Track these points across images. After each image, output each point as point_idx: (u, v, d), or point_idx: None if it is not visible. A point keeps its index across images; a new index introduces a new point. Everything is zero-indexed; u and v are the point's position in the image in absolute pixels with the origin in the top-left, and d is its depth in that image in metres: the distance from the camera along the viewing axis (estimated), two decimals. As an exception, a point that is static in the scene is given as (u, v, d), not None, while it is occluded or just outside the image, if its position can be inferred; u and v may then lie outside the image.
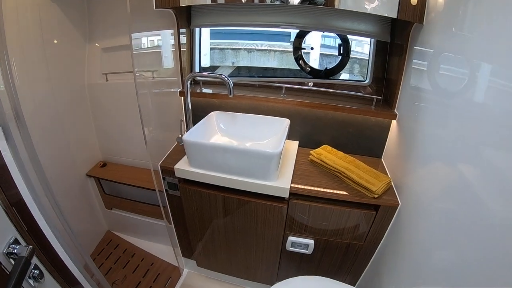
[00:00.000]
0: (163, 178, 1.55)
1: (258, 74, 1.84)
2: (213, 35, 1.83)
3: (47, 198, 1.01)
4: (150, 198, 2.10)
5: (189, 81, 1.53)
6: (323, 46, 1.72)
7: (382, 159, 1.66)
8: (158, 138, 1.74)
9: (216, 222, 1.56)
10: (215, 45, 1.86)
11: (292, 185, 1.34)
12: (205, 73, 1.65)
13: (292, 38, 1.71)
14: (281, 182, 1.33)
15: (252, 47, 1.79)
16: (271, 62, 1.79)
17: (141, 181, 2.00)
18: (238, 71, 1.87)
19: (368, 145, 1.67)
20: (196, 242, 1.75)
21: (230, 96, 1.41)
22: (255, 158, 1.25)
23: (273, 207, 1.38)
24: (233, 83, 1.39)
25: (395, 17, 1.19)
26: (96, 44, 1.96)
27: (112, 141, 2.19)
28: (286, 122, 1.55)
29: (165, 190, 1.60)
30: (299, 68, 1.74)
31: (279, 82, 1.72)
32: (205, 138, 1.53)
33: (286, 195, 1.34)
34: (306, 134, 1.71)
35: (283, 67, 1.80)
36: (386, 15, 1.22)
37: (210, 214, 1.53)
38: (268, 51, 1.78)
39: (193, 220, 1.62)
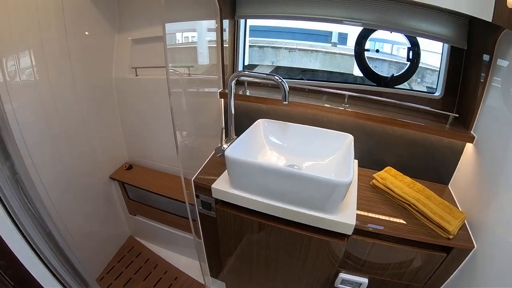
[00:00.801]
0: (196, 196, 1.32)
1: (303, 76, 1.60)
2: (251, 33, 1.62)
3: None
4: (178, 208, 1.89)
5: (233, 82, 1.28)
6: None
7: (449, 187, 1.39)
8: (193, 145, 1.53)
9: (257, 250, 1.32)
10: (253, 43, 1.64)
11: (358, 222, 1.08)
12: (255, 73, 1.36)
13: (334, 39, 1.49)
14: (344, 217, 1.07)
15: (293, 46, 1.59)
16: (313, 63, 1.60)
17: (170, 190, 1.79)
18: (277, 70, 1.65)
19: (435, 169, 1.39)
20: (229, 264, 1.52)
21: (284, 102, 1.16)
22: (318, 186, 1.00)
23: (330, 243, 1.13)
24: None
25: (490, 20, 0.91)
26: (127, 36, 1.75)
27: (139, 142, 1.99)
28: (349, 138, 1.29)
29: (198, 208, 1.38)
30: (351, 73, 1.51)
31: (336, 88, 1.45)
32: (251, 153, 1.28)
33: (350, 232, 1.08)
34: (367, 152, 1.43)
35: (332, 70, 1.57)
36: (479, 17, 0.93)
37: (251, 242, 1.29)
38: (311, 51, 1.59)
39: (228, 243, 1.39)
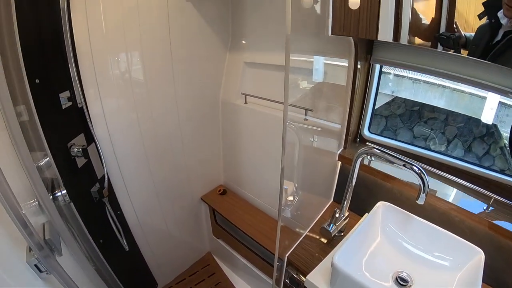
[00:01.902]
0: (286, 271, 1.14)
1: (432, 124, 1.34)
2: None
3: None
4: (263, 251, 1.74)
5: (359, 159, 1.03)
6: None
7: None
8: (294, 203, 1.35)
9: None
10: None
11: None
12: (389, 154, 0.99)
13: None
14: None
15: (418, 77, 1.36)
16: (438, 100, 1.36)
17: (259, 232, 1.64)
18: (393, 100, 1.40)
19: None
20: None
21: (418, 202, 0.89)
22: None
23: None
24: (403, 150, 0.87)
25: None
26: (239, 58, 1.63)
27: (238, 169, 1.89)
28: (478, 257, 0.92)
29: (284, 280, 1.20)
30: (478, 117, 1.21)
31: (478, 178, 1.06)
32: (361, 249, 1.03)
33: None
34: (490, 267, 1.01)
35: (458, 112, 1.34)
36: None
37: None
38: (437, 86, 1.33)
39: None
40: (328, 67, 1.33)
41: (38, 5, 0.92)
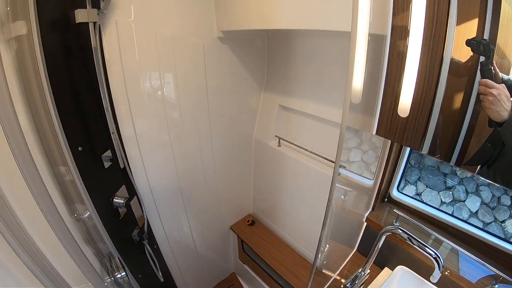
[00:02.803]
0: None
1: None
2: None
3: None
4: (287, 286, 1.80)
5: (384, 236, 1.04)
6: None
7: None
8: (325, 251, 1.38)
9: None
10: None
11: None
12: (411, 238, 0.98)
13: None
14: None
15: None
16: None
17: (283, 266, 1.70)
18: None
19: None
20: None
21: (431, 279, 0.93)
22: None
23: None
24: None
25: None
26: (275, 99, 1.66)
27: (268, 203, 1.94)
28: None
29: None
30: None
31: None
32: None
33: None
34: None
35: None
36: None
37: None
38: None
39: None
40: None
41: (77, 84, 0.99)
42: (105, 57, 1.09)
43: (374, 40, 0.85)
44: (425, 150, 0.84)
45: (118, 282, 1.02)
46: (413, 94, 0.82)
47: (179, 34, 1.29)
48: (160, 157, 1.45)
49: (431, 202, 1.52)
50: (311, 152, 1.49)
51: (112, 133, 1.09)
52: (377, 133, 0.95)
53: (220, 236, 2.01)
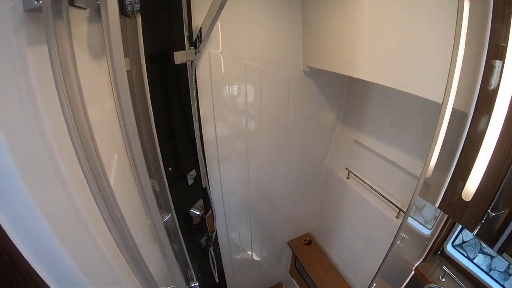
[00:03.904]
0: None
1: None
2: None
3: None
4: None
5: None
6: None
7: None
8: None
9: None
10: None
11: None
12: None
13: None
14: None
15: None
16: None
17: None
18: None
19: None
20: None
21: None
22: None
23: None
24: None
25: None
26: (350, 133, 1.68)
27: (327, 226, 1.99)
28: None
29: None
30: None
31: None
32: None
33: None
34: None
35: None
36: None
37: None
38: None
39: None
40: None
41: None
42: (197, 88, 1.23)
43: (457, 117, 0.84)
44: (477, 233, 0.84)
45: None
46: (480, 183, 0.80)
47: (267, 66, 1.39)
48: (236, 172, 1.59)
49: (482, 266, 1.43)
50: (377, 192, 1.47)
51: (199, 157, 1.25)
52: (439, 207, 0.95)
53: (276, 249, 2.11)
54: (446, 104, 0.79)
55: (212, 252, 1.54)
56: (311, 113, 1.64)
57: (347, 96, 1.65)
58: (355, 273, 1.75)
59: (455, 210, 0.89)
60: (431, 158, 0.85)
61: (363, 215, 1.60)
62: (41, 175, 0.50)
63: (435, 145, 0.84)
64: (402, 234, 1.37)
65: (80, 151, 0.48)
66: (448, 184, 0.90)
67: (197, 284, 1.15)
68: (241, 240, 1.87)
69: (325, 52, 1.32)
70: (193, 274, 1.20)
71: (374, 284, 1.47)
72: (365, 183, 1.56)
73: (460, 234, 1.32)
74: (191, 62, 1.10)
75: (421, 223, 1.36)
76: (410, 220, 1.39)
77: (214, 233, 1.48)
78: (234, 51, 1.30)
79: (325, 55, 1.33)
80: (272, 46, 1.38)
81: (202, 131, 1.33)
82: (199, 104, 1.25)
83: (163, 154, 1.05)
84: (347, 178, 1.68)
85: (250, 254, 1.99)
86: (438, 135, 0.82)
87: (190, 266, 1.24)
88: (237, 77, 1.35)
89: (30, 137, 0.47)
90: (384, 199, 1.44)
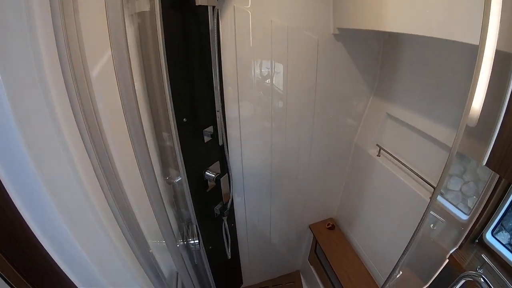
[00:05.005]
0: None
1: None
2: None
3: None
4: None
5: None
6: None
7: None
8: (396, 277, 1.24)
9: None
10: None
11: None
12: None
13: None
14: None
15: None
16: None
17: (350, 281, 1.60)
18: None
19: None
20: None
21: None
22: None
23: None
24: None
25: None
26: (383, 106, 1.53)
27: (353, 211, 1.84)
28: None
29: None
30: None
31: None
32: None
33: None
34: None
35: None
36: None
37: None
38: None
39: None
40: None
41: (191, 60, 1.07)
42: (220, 40, 1.15)
43: (502, 59, 0.71)
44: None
45: (189, 247, 1.09)
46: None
47: (295, 26, 1.29)
48: (258, 143, 1.50)
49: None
50: (410, 170, 1.33)
51: (218, 111, 1.16)
52: (487, 164, 0.78)
53: (296, 232, 2.00)
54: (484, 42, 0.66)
55: (226, 223, 1.46)
56: (342, 84, 1.51)
57: (381, 65, 1.51)
58: (379, 262, 1.61)
59: (506, 167, 0.72)
60: (470, 104, 0.72)
61: (394, 197, 1.45)
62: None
63: (474, 89, 0.70)
64: (436, 215, 1.22)
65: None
66: (497, 135, 0.74)
67: (197, 241, 1.07)
68: (259, 220, 1.78)
69: (355, 10, 1.21)
70: (195, 231, 1.12)
71: (401, 272, 1.33)
72: (398, 160, 1.41)
73: (501, 222, 1.14)
74: (213, 7, 1.02)
75: (457, 207, 1.20)
76: (445, 203, 1.23)
77: (230, 201, 1.40)
78: (261, 7, 1.21)
79: (355, 13, 1.21)
80: (300, 6, 1.27)
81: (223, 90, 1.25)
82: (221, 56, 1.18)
83: (176, 102, 0.98)
84: (378, 155, 1.53)
85: (268, 236, 1.90)
86: (477, 79, 0.69)
87: (194, 221, 1.16)
88: (263, 38, 1.26)
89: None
90: (418, 177, 1.29)
